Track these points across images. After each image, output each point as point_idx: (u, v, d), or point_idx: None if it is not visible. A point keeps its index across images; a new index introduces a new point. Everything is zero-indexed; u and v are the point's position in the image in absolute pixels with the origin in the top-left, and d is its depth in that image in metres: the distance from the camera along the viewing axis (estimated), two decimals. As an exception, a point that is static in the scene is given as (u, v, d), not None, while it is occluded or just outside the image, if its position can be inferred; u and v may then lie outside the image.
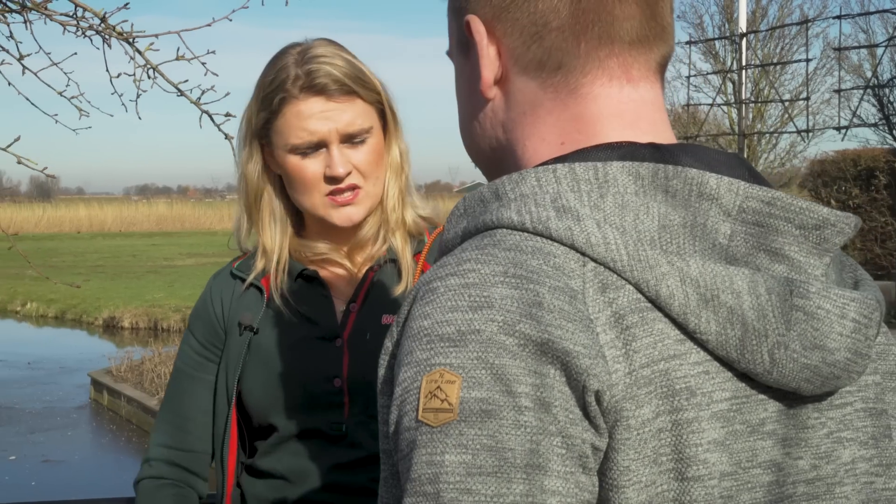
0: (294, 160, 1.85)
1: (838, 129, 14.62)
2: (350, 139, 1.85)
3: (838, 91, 14.84)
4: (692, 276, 0.84)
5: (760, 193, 0.89)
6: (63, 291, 21.49)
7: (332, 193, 1.85)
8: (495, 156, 1.02)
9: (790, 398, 0.89)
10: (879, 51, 20.77)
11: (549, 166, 0.91)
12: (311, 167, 1.84)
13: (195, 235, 46.87)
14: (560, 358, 0.80)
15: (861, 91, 18.70)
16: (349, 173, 1.85)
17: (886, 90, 20.68)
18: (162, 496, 1.91)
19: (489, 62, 0.97)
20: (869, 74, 21.48)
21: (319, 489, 1.85)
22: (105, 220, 53.69)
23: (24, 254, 3.52)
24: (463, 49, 1.01)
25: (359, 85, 1.85)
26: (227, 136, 4.09)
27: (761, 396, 0.88)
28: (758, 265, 0.88)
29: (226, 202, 71.07)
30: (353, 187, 1.86)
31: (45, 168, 3.46)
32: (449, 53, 1.06)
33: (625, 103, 0.95)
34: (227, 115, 4.03)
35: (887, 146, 20.44)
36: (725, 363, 0.86)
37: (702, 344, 0.85)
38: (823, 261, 0.90)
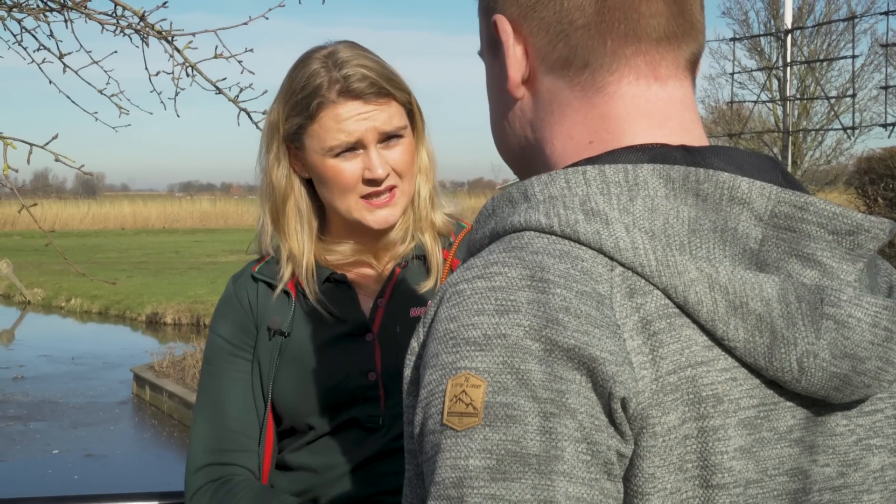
0: (331, 163, 1.85)
1: (885, 126, 14.41)
2: (387, 138, 1.86)
3: (885, 88, 14.62)
4: (721, 282, 0.83)
5: (793, 198, 0.87)
6: (107, 288, 21.71)
7: (368, 196, 1.85)
8: (525, 155, 1.01)
9: (818, 405, 0.88)
10: (928, 47, 20.45)
11: (580, 168, 0.90)
12: (349, 169, 1.84)
13: (238, 232, 47.19)
14: (586, 364, 0.79)
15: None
16: (388, 175, 1.85)
17: (935, 87, 20.37)
18: (234, 494, 1.85)
19: (516, 61, 0.97)
20: (917, 71, 21.18)
21: (355, 479, 1.85)
22: (149, 216, 54.25)
23: (61, 250, 3.53)
24: (492, 49, 1.00)
25: (393, 86, 1.86)
26: (265, 134, 4.08)
27: (789, 404, 0.86)
28: (789, 271, 0.86)
29: (268, 199, 71.22)
30: (391, 188, 1.87)
31: (83, 166, 3.46)
32: (480, 54, 1.06)
33: (653, 102, 0.94)
34: (265, 112, 4.02)
35: (935, 144, 20.16)
36: (753, 370, 0.85)
37: (729, 351, 0.84)
38: (857, 266, 0.88)
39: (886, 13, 14.39)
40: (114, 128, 4.15)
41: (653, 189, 0.87)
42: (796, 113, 22.74)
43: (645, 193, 0.87)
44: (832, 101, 19.40)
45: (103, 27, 3.79)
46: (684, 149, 0.91)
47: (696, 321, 0.83)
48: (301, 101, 1.85)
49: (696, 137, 0.95)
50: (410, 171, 1.90)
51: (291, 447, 1.91)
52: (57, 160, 3.31)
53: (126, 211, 55.53)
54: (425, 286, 1.91)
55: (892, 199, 17.23)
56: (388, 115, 1.85)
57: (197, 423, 1.94)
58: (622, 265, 0.84)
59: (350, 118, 1.82)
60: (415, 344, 0.90)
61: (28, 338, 19.41)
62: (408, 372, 0.90)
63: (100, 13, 3.83)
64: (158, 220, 53.63)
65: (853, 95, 14.10)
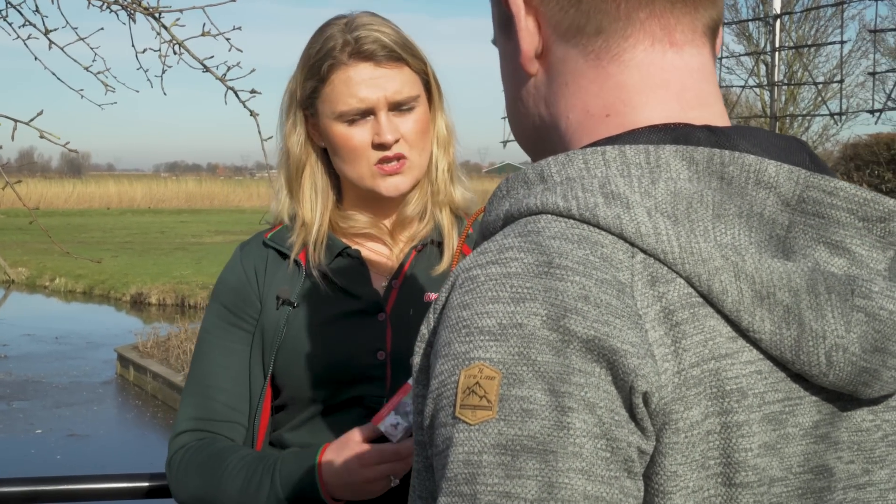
0: (341, 128, 1.84)
1: (872, 112, 14.43)
2: (398, 107, 1.84)
3: (873, 74, 14.63)
4: (747, 271, 0.79)
5: (822, 182, 0.83)
6: (91, 267, 21.66)
7: (379, 162, 1.84)
8: (539, 135, 0.97)
9: (844, 399, 0.84)
10: (916, 33, 20.48)
11: (598, 148, 0.85)
12: (359, 135, 1.83)
13: (224, 213, 47.15)
14: (607, 356, 0.75)
15: (896, 74, 18.44)
16: (397, 141, 1.83)
17: (922, 74, 20.41)
18: (200, 457, 1.83)
19: (528, 34, 0.92)
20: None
21: None
22: (134, 196, 54.04)
23: (46, 229, 3.49)
24: (504, 28, 0.96)
25: (406, 52, 1.84)
26: (252, 113, 4.05)
27: (814, 398, 0.82)
28: (816, 259, 0.82)
29: (255, 180, 71.49)
30: (400, 157, 1.84)
31: (68, 143, 3.42)
32: (494, 41, 1.02)
33: (669, 71, 0.89)
34: (253, 91, 3.99)
35: (921, 130, 20.22)
36: (778, 363, 0.80)
37: (754, 343, 0.80)
38: (887, 255, 0.84)
39: (876, -1, 14.40)
40: (100, 105, 4.10)
41: (675, 171, 0.83)
42: (783, 98, 22.76)
43: (667, 176, 0.83)
44: (819, 86, 19.41)
45: (89, 3, 3.74)
46: (708, 129, 0.87)
47: (720, 311, 0.79)
48: (315, 63, 1.84)
49: (716, 113, 0.91)
50: (423, 143, 1.87)
51: (290, 424, 1.88)
52: (41, 137, 3.27)
53: (111, 191, 55.32)
54: (440, 270, 1.89)
55: (877, 186, 17.28)
56: (401, 82, 1.83)
57: (185, 391, 1.92)
58: (644, 252, 0.80)
59: (361, 82, 1.81)
60: (425, 330, 0.86)
61: (11, 317, 19.33)
62: (417, 359, 0.86)
63: (86, -12, 3.78)
64: (144, 200, 53.40)
65: (841, 81, 14.08)
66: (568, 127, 0.92)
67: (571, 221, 0.81)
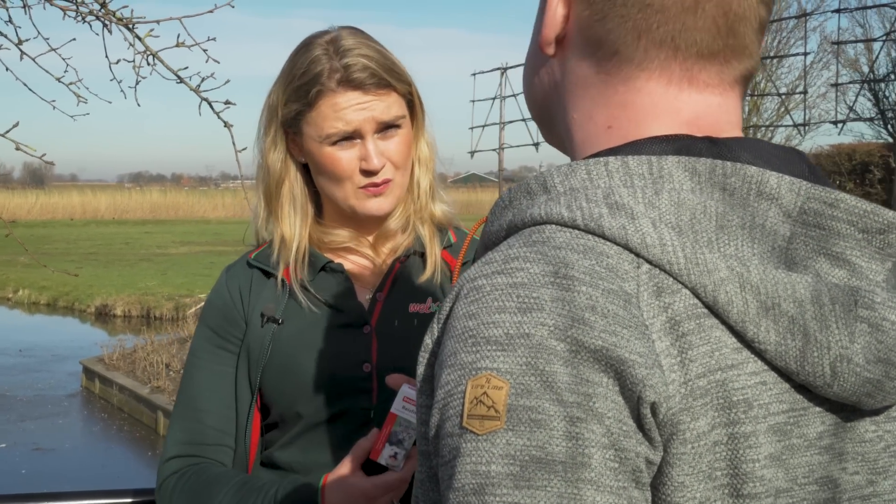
0: (328, 151, 1.84)
1: (835, 122, 14.62)
2: (384, 128, 1.84)
3: (836, 85, 14.83)
4: (752, 282, 0.79)
5: (823, 194, 0.84)
6: (55, 279, 21.45)
7: (364, 186, 1.84)
8: (549, 112, 0.97)
9: (847, 410, 0.85)
10: (876, 45, 20.78)
11: (601, 159, 0.86)
12: (346, 158, 1.83)
13: (189, 224, 46.85)
14: (614, 366, 0.75)
15: (858, 85, 18.70)
16: (384, 166, 1.84)
17: (882, 85, 20.70)
18: (192, 485, 1.81)
19: (552, 20, 0.93)
20: (865, 69, 21.50)
21: None
22: (98, 207, 53.60)
23: (21, 241, 3.46)
24: (540, 5, 0.96)
25: (393, 77, 1.84)
26: (226, 124, 4.04)
27: (818, 409, 0.83)
28: (817, 270, 0.83)
29: (219, 191, 71.11)
30: (386, 181, 1.85)
31: (44, 154, 3.40)
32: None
33: (683, 102, 0.89)
34: (227, 102, 3.98)
35: (882, 141, 20.48)
36: (783, 374, 0.81)
37: (759, 354, 0.80)
38: (885, 266, 0.85)
39: (837, 11, 14.57)
40: (72, 116, 4.08)
41: (678, 182, 0.83)
42: (747, 109, 22.96)
43: (670, 186, 0.83)
44: (783, 97, 19.59)
45: (65, 13, 3.72)
46: (710, 140, 0.87)
47: (725, 322, 0.80)
48: (301, 87, 1.83)
49: (728, 134, 0.90)
50: (406, 162, 1.88)
51: (280, 442, 1.88)
52: (18, 149, 3.24)
53: (75, 201, 54.82)
54: (423, 280, 1.89)
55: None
56: (387, 105, 1.83)
57: (174, 415, 1.91)
58: (649, 262, 0.80)
59: (349, 107, 1.80)
60: (428, 341, 0.86)
61: (-26, 329, 19.08)
62: (421, 370, 0.86)
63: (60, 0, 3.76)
64: (108, 211, 52.98)
65: (804, 92, 14.25)
66: (573, 121, 0.93)
67: (576, 232, 0.81)
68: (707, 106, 0.90)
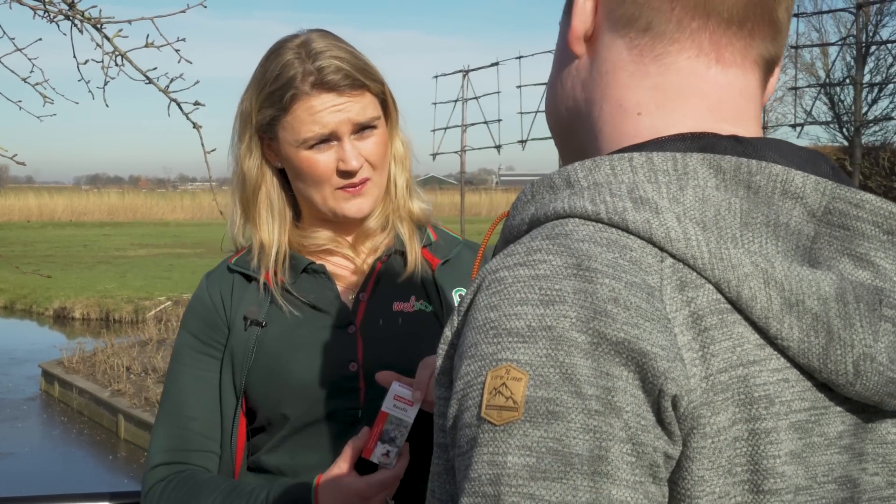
0: (305, 155, 1.83)
1: (794, 126, 14.78)
2: (360, 129, 1.84)
3: (794, 89, 15.00)
4: (777, 278, 0.79)
5: (848, 195, 0.84)
6: (12, 280, 21.21)
7: (342, 187, 1.84)
8: (570, 120, 0.97)
9: (869, 411, 0.85)
10: (832, 50, 21.04)
11: (625, 154, 0.86)
12: (323, 161, 1.82)
13: (147, 226, 46.49)
14: (636, 359, 0.75)
15: (815, 89, 18.92)
16: (362, 166, 1.84)
17: (837, 89, 20.94)
18: (179, 494, 1.80)
19: (582, 12, 0.93)
20: (821, 73, 21.75)
21: None
22: (55, 209, 52.98)
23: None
24: (566, 6, 0.97)
25: (367, 77, 1.84)
26: (195, 125, 4.03)
27: (839, 408, 0.83)
28: (840, 270, 0.83)
29: (178, 192, 70.60)
30: (364, 180, 1.85)
31: (16, 155, 3.37)
32: (560, 23, 1.02)
33: (709, 84, 0.90)
34: (197, 103, 3.97)
35: (837, 144, 20.73)
36: (806, 371, 0.81)
37: (782, 350, 0.80)
38: None
39: (795, 15, 14.74)
40: (38, 117, 4.05)
41: (703, 179, 0.83)
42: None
43: (695, 183, 0.83)
44: (741, 101, 19.73)
45: (35, 13, 3.69)
46: (735, 139, 0.87)
47: (748, 318, 0.80)
48: (274, 92, 1.82)
49: (750, 130, 0.91)
50: (384, 162, 1.88)
51: (267, 446, 1.87)
52: (-11, 150, 3.22)
53: (31, 203, 54.17)
54: (404, 278, 1.90)
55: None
56: (362, 106, 1.83)
57: (157, 422, 1.90)
58: (673, 256, 0.80)
59: (324, 110, 1.80)
60: (448, 332, 0.86)
61: (-71, 333, 18.82)
62: (440, 362, 0.86)
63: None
64: (65, 213, 52.39)
65: (763, 96, 14.36)
66: (599, 117, 0.93)
67: (600, 225, 0.81)
68: (730, 89, 0.90)
